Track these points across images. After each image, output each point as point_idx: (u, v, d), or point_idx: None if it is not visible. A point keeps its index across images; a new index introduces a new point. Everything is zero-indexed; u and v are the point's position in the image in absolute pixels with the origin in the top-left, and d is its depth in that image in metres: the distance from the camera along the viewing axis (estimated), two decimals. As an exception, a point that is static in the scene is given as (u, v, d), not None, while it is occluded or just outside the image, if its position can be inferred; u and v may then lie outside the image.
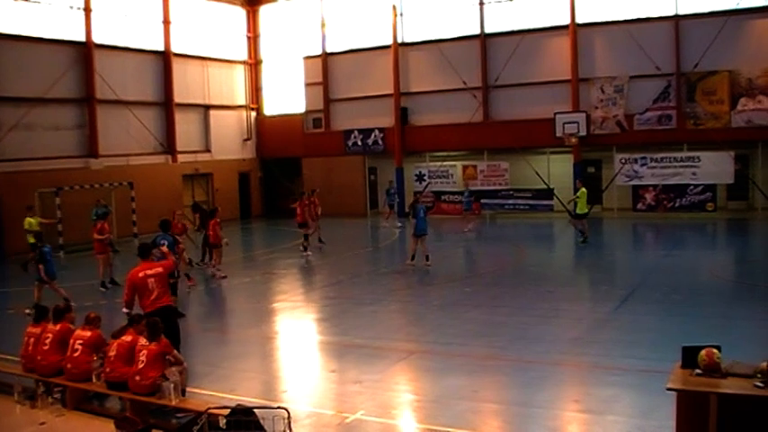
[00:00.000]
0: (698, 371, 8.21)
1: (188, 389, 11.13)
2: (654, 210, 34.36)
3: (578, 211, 28.46)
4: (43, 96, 31.91)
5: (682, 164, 33.55)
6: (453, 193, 38.65)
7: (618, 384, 11.52)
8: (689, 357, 8.37)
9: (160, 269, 12.15)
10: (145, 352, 10.39)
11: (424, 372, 12.87)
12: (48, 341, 11.63)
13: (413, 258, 23.54)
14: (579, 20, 35.04)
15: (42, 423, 10.59)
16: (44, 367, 11.54)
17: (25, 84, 31.28)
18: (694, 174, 33.32)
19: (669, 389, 8.11)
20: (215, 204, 33.98)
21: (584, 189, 28.65)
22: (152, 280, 11.92)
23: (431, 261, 23.48)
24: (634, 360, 12.59)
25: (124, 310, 12.06)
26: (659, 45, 33.52)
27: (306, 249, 27.44)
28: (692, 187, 33.42)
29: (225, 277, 22.83)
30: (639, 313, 16.27)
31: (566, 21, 35.26)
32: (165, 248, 14.01)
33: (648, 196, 34.47)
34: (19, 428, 10.64)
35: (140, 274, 11.93)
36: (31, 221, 26.25)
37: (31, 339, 11.96)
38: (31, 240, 25.34)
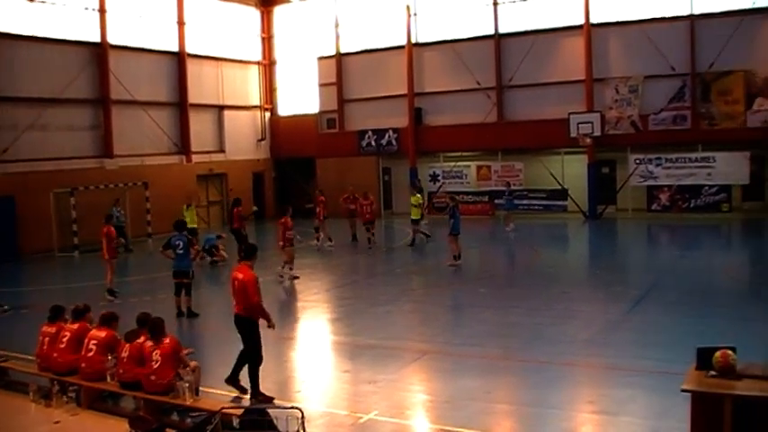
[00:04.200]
0: (713, 372, 8.19)
1: (201, 388, 11.14)
2: (668, 210, 34.21)
3: (413, 217, 29.17)
4: (58, 97, 32.05)
5: (697, 164, 33.39)
6: (468, 194, 38.61)
7: (632, 385, 11.47)
8: (704, 359, 8.34)
9: (240, 276, 11.66)
10: (158, 351, 10.44)
11: (438, 372, 12.88)
12: (65, 339, 11.71)
13: (455, 258, 23.52)
14: (593, 20, 34.91)
15: (57, 422, 10.65)
16: (60, 365, 11.61)
17: (40, 84, 31.39)
18: (709, 174, 33.13)
19: (684, 390, 8.09)
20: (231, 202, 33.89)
21: (417, 195, 29.69)
22: (236, 283, 11.70)
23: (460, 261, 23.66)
24: (648, 361, 12.55)
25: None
26: (674, 45, 33.40)
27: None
28: (707, 188, 33.26)
29: (297, 278, 22.27)
30: (654, 314, 16.22)
31: (580, 21, 35.14)
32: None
33: (663, 197, 34.33)
34: (34, 427, 10.70)
35: (234, 274, 11.89)
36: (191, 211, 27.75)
37: (46, 339, 12.04)
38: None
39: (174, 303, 18.10)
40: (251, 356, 11.54)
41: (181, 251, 17.89)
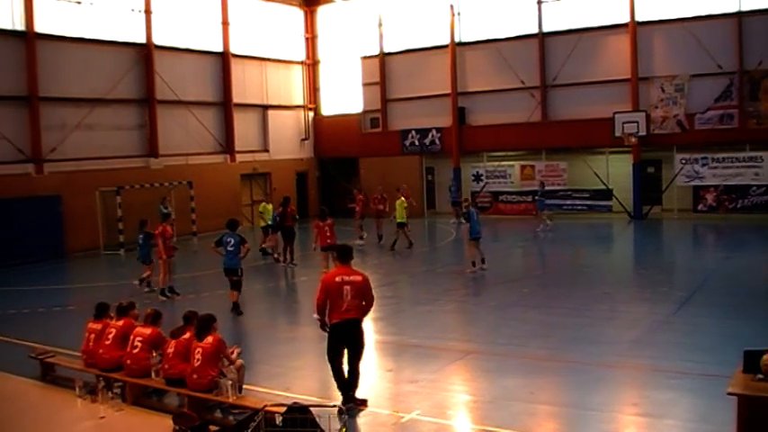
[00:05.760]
0: (760, 376, 8.07)
1: (245, 386, 11.25)
2: (715, 211, 33.77)
3: (398, 220, 28.51)
4: (104, 97, 32.46)
5: (744, 164, 32.93)
6: (511, 193, 38.54)
7: (676, 388, 11.36)
8: (751, 362, 8.22)
9: (359, 278, 11.04)
10: (200, 350, 10.54)
11: (480, 372, 12.83)
12: (111, 336, 11.89)
13: (474, 264, 22.96)
14: (639, 18, 34.57)
15: (102, 417, 10.79)
16: (105, 361, 11.79)
17: (87, 85, 31.85)
18: (757, 174, 32.64)
19: (730, 393, 7.99)
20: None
21: (402, 198, 28.92)
22: (348, 287, 10.86)
23: (486, 264, 23.05)
24: (693, 363, 12.42)
25: (315, 315, 11.42)
26: (721, 43, 32.91)
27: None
28: (754, 188, 32.77)
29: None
30: (699, 316, 16.04)
31: (625, 19, 34.83)
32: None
33: (709, 197, 33.90)
34: (80, 422, 10.85)
35: (336, 279, 10.95)
36: (267, 207, 27.74)
37: (92, 335, 12.22)
38: (262, 224, 28.12)
39: (229, 299, 18.64)
40: (361, 356, 11.19)
41: (231, 248, 18.23)
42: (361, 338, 11.15)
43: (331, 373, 11.15)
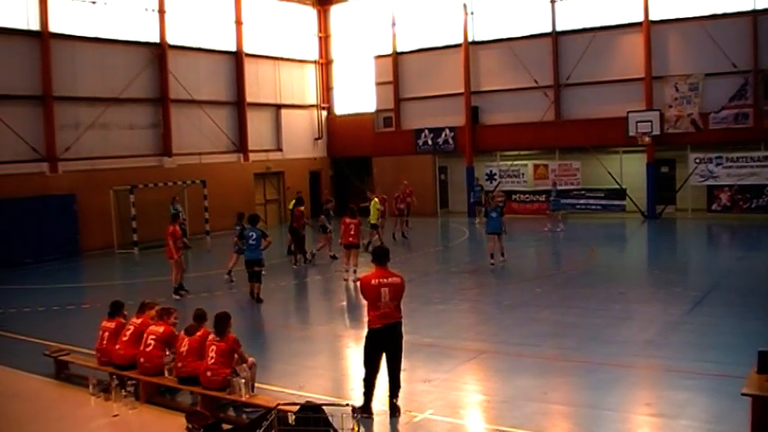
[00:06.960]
0: (775, 376, 8.05)
1: (258, 384, 11.25)
2: (729, 210, 33.58)
3: (372, 221, 28.13)
4: (118, 96, 32.54)
5: (759, 163, 32.71)
6: (525, 193, 38.47)
7: (691, 388, 11.30)
8: (765, 362, 8.21)
9: (398, 279, 10.67)
10: (214, 348, 10.55)
11: (494, 372, 12.81)
12: (129, 333, 11.97)
13: (492, 257, 23.62)
14: (653, 17, 34.41)
15: (116, 415, 10.80)
16: (121, 357, 11.87)
17: (101, 84, 31.97)
18: (771, 174, 32.52)
19: (744, 394, 7.97)
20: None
21: (375, 199, 28.57)
22: (386, 290, 10.49)
23: (506, 257, 23.86)
24: (708, 364, 12.37)
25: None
26: (736, 41, 32.70)
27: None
28: (769, 188, 32.64)
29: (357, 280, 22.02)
30: (714, 316, 15.96)
31: (639, 18, 34.67)
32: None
33: (724, 197, 33.71)
34: (94, 420, 10.88)
35: (373, 282, 10.57)
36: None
37: (106, 333, 12.27)
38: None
39: (247, 291, 19.46)
40: (401, 362, 10.82)
41: (253, 242, 19.36)
42: (401, 343, 10.77)
43: (364, 377, 10.79)
